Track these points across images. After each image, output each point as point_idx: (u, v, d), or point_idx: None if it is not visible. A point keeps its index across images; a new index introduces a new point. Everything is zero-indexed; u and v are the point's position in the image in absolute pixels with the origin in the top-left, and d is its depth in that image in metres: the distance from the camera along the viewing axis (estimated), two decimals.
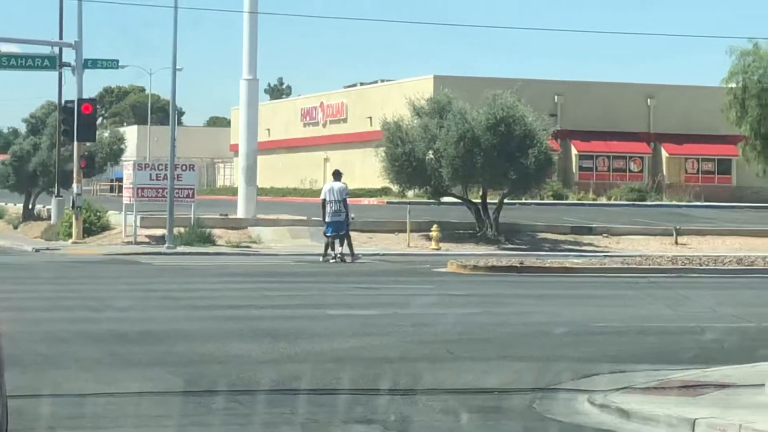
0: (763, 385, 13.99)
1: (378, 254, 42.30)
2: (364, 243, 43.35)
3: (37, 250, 44.90)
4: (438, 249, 44.07)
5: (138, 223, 46.73)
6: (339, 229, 38.03)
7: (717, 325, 21.31)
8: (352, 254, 38.16)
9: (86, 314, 22.17)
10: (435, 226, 45.68)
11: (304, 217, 50.27)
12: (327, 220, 37.97)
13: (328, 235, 38.25)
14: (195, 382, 14.46)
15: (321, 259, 38.05)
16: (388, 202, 65.69)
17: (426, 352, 17.34)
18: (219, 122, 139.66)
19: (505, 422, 12.56)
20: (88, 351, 16.87)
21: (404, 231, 46.88)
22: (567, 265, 37.25)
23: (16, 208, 64.86)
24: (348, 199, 39.30)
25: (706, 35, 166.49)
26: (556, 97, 78.46)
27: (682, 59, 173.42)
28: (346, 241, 38.26)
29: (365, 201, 67.84)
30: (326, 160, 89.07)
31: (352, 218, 39.66)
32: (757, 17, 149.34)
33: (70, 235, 47.30)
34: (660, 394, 13.86)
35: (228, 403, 13.05)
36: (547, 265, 36.83)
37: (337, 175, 39.91)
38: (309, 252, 42.28)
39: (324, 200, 38.26)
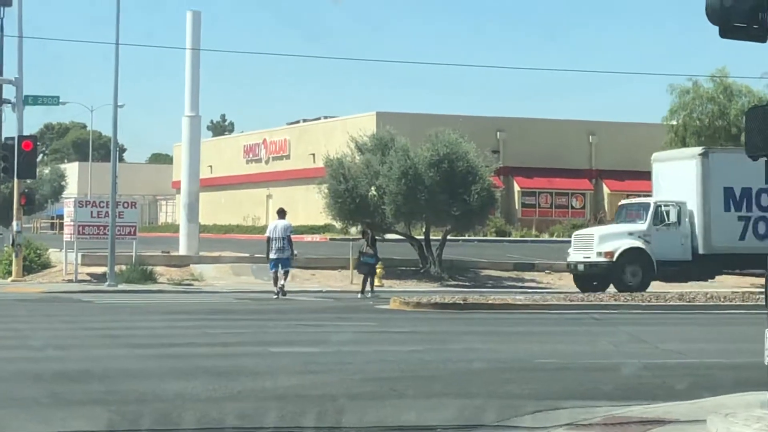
0: (704, 421, 14.06)
1: (320, 291, 42.31)
2: (306, 280, 43.40)
3: None
4: (381, 286, 44.09)
5: (79, 261, 46.57)
6: (283, 265, 38.99)
7: (659, 361, 21.39)
8: (284, 291, 39.06)
9: (25, 353, 21.98)
10: (378, 263, 45.71)
11: (247, 254, 50.34)
12: (272, 256, 38.84)
13: (272, 270, 39.17)
14: (136, 420, 14.35)
15: (275, 294, 38.77)
16: (330, 239, 65.77)
17: (369, 390, 17.28)
18: (161, 159, 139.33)
19: None
20: (28, 391, 16.70)
21: (347, 268, 46.92)
22: (510, 301, 37.32)
23: None
24: (292, 236, 39.85)
25: (646, 72, 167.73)
26: (498, 133, 78.92)
27: (623, 96, 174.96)
28: (285, 277, 39.21)
29: (308, 238, 67.87)
30: (269, 196, 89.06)
31: (295, 255, 40.41)
32: (695, 55, 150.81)
33: (9, 273, 47.03)
34: (603, 430, 13.89)
35: None
36: (490, 301, 36.91)
37: (281, 213, 40.48)
38: (251, 289, 42.30)
39: (269, 237, 39.27)
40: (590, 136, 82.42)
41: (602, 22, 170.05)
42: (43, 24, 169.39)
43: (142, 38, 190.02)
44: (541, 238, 72.00)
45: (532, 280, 47.50)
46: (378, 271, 44.15)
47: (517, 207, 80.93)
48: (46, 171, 64.92)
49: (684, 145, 48.34)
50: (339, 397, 16.37)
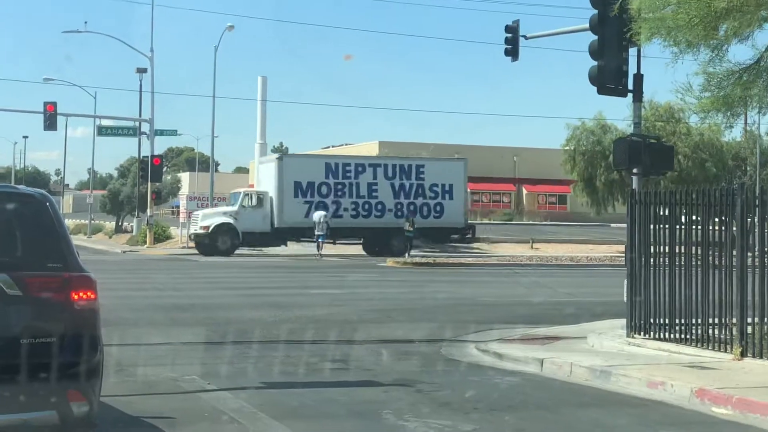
0: (585, 337, 14.04)
1: (342, 254, 42.23)
2: (333, 247, 43.26)
3: (123, 252, 44.52)
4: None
5: (188, 235, 46.42)
6: (322, 239, 39.94)
7: (556, 299, 21.40)
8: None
9: (155, 292, 22.02)
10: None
11: None
12: (316, 233, 39.79)
13: (316, 241, 40.12)
14: (224, 336, 14.36)
15: (317, 257, 39.38)
16: None
17: (373, 317, 17.30)
18: (241, 170, 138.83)
19: (421, 360, 12.51)
20: (155, 316, 16.73)
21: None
22: (463, 262, 37.34)
23: (110, 225, 64.37)
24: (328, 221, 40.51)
25: (550, 116, 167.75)
26: (456, 155, 78.15)
27: (537, 129, 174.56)
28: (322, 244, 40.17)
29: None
30: None
31: (329, 233, 40.65)
32: (584, 103, 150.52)
33: (145, 242, 46.98)
34: (522, 343, 13.89)
35: (245, 349, 12.95)
36: (450, 261, 36.92)
37: (321, 206, 41.51)
38: (299, 254, 42.18)
39: (313, 221, 39.98)
40: (515, 157, 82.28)
41: (527, 78, 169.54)
42: (166, 79, 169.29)
43: (231, 92, 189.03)
44: (484, 222, 71.71)
45: (478, 249, 47.37)
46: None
47: (468, 201, 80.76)
48: (168, 178, 64.61)
49: (574, 162, 47.97)
50: (353, 322, 16.39)
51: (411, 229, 40.65)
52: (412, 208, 42.07)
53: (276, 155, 44.11)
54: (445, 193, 43.02)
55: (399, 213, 41.94)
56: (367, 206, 41.98)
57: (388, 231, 41.37)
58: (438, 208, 42.83)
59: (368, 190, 41.97)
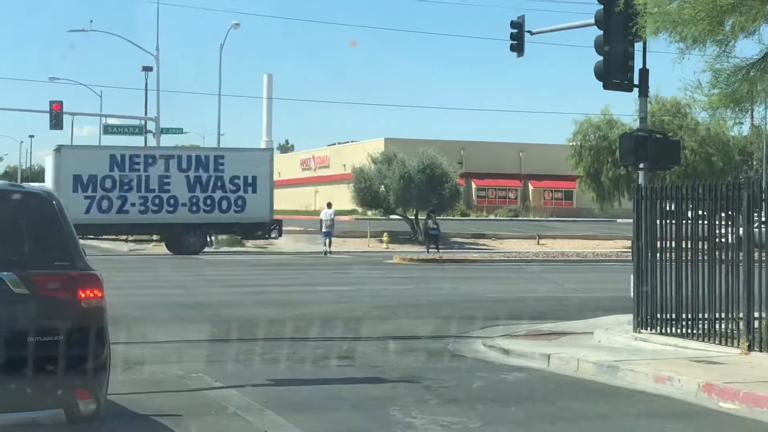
0: (592, 333, 14.04)
1: (349, 251, 42.29)
2: (340, 244, 43.32)
3: (130, 250, 44.29)
4: (387, 248, 44.04)
5: None
6: (329, 236, 40.22)
7: (562, 294, 21.39)
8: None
9: (161, 291, 22.02)
10: (385, 233, 45.74)
11: (302, 229, 50.26)
12: (323, 230, 40.26)
13: (324, 238, 40.30)
14: (228, 333, 14.38)
15: (324, 254, 39.58)
16: (355, 219, 65.44)
17: (379, 313, 17.29)
18: None
19: (427, 355, 12.52)
20: (161, 314, 16.74)
21: (365, 237, 46.89)
22: (469, 258, 37.32)
23: None
24: (335, 218, 41.36)
25: (557, 111, 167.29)
26: (461, 151, 78.48)
27: (543, 124, 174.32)
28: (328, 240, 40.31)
29: (341, 218, 67.61)
30: (316, 192, 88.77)
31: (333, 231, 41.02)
32: (590, 97, 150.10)
33: (151, 241, 46.78)
34: (528, 339, 13.88)
35: (251, 346, 12.96)
36: (456, 258, 36.90)
37: (329, 205, 42.00)
38: (305, 251, 42.23)
39: (321, 219, 40.71)
40: (520, 153, 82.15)
41: (532, 67, 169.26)
42: (171, 76, 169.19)
43: (236, 89, 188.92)
44: (489, 218, 71.71)
45: (484, 245, 47.38)
46: (385, 238, 44.19)
47: (474, 198, 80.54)
48: None
49: (580, 157, 47.87)
50: (359, 318, 16.38)
51: (435, 226, 41.22)
52: (209, 202, 39.70)
53: (54, 146, 40.21)
54: (247, 186, 40.10)
55: (194, 208, 39.52)
56: (157, 201, 38.98)
57: (183, 227, 39.07)
58: (239, 202, 40.19)
59: (159, 183, 38.97)
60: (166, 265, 32.88)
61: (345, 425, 8.50)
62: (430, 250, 40.89)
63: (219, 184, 39.91)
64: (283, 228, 47.59)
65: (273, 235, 41.79)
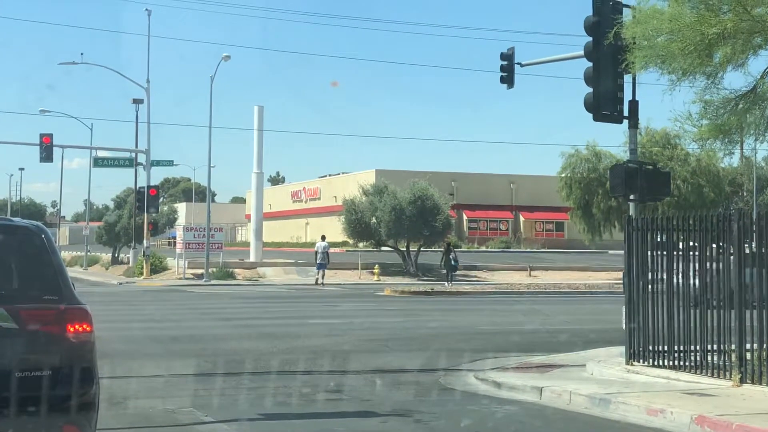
0: (584, 365, 14.01)
1: (340, 283, 42.21)
2: (332, 276, 43.24)
3: (120, 284, 44.40)
4: (378, 280, 43.99)
5: (186, 266, 46.46)
6: (322, 268, 41.56)
7: (554, 327, 21.36)
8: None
9: (151, 324, 21.92)
10: (376, 265, 45.73)
11: (293, 261, 50.18)
12: (318, 262, 41.70)
13: (317, 270, 41.73)
14: (216, 367, 14.30)
15: (315, 283, 41.11)
16: (346, 251, 65.39)
17: (370, 346, 17.24)
18: (238, 200, 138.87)
19: (418, 389, 12.48)
20: (150, 348, 16.67)
21: (357, 269, 46.81)
22: (461, 290, 37.26)
23: (106, 256, 64.20)
24: (328, 251, 42.46)
25: (545, 143, 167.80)
26: (452, 182, 78.62)
27: (533, 157, 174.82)
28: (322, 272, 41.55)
29: (332, 250, 67.44)
30: (307, 224, 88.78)
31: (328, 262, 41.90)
32: (578, 130, 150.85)
33: (141, 274, 46.86)
34: (520, 371, 13.84)
35: (241, 381, 12.89)
36: (447, 290, 36.83)
37: (323, 238, 43.79)
38: (297, 283, 42.16)
39: (316, 251, 42.33)
40: (511, 184, 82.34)
41: (522, 104, 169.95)
42: (162, 109, 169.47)
43: (226, 122, 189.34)
44: (481, 249, 71.71)
45: (475, 276, 47.36)
46: (376, 270, 44.13)
47: (465, 229, 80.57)
48: (165, 208, 64.42)
49: (570, 189, 47.90)
50: (350, 351, 16.33)
51: (455, 258, 41.51)
52: None
53: None
54: None
55: None
56: None
57: None
58: None
59: None
60: (156, 298, 32.75)
61: None
62: (448, 283, 40.59)
63: None
64: (274, 261, 47.79)
65: None
